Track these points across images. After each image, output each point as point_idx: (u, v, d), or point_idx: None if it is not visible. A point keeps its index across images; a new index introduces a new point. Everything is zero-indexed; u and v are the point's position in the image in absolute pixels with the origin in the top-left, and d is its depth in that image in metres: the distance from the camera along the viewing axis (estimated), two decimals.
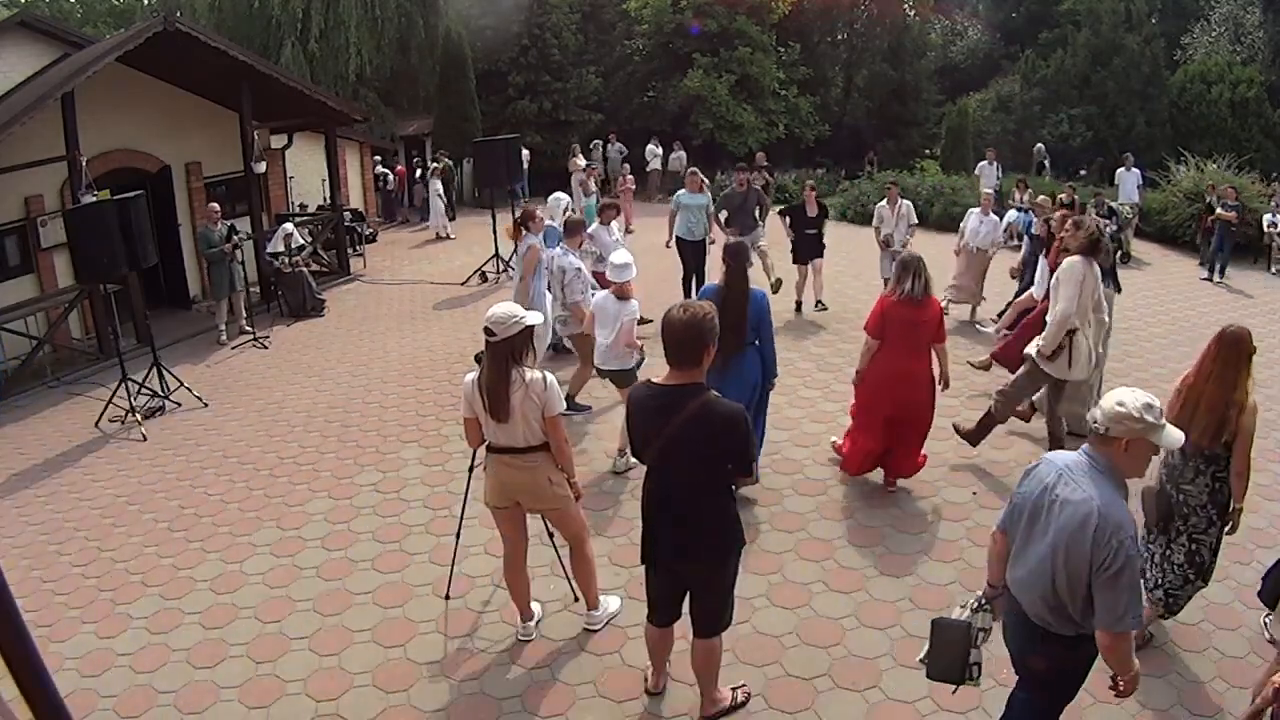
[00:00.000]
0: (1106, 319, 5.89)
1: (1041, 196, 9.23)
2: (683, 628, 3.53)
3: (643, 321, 8.49)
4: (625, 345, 5.68)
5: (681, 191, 9.15)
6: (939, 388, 5.26)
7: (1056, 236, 7.14)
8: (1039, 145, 18.91)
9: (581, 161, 14.57)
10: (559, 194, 9.89)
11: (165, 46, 9.54)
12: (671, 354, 3.11)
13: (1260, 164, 16.99)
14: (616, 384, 5.94)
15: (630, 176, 16.67)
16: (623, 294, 5.73)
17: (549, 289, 7.08)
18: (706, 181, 9.38)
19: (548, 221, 8.22)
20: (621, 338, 5.66)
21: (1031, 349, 5.50)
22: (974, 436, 5.73)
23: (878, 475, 5.55)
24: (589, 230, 8.53)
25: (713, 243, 8.64)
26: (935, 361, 5.22)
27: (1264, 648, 3.90)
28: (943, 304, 9.04)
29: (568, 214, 9.30)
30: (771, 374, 5.20)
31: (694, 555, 3.21)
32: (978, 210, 8.98)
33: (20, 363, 8.82)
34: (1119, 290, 6.19)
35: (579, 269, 6.67)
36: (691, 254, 8.94)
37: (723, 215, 9.21)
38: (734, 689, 3.62)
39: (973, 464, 5.73)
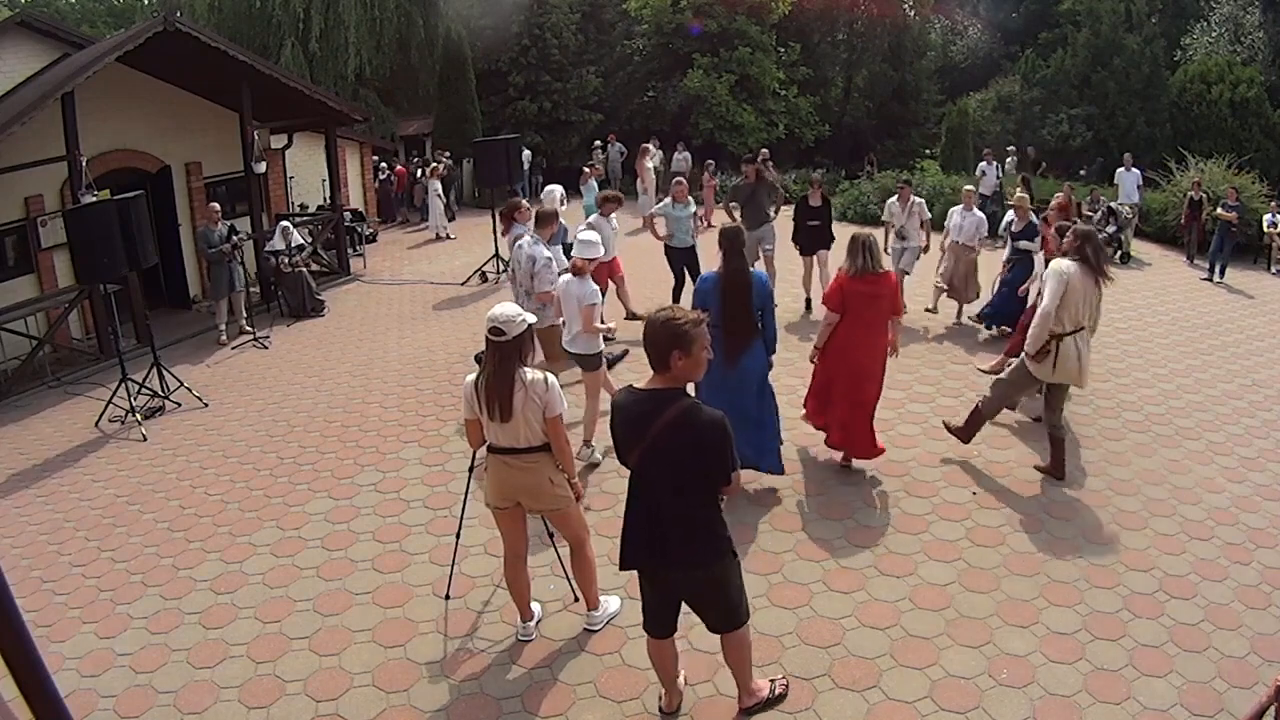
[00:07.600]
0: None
1: (1020, 194, 9.17)
2: (683, 628, 3.52)
3: (633, 317, 8.60)
4: (587, 330, 5.67)
5: (667, 200, 9.21)
6: (890, 357, 5.50)
7: (1049, 226, 7.16)
8: (1029, 148, 18.97)
9: (649, 162, 15.32)
10: (552, 186, 10.12)
11: (165, 46, 9.53)
12: (649, 358, 3.12)
13: (1260, 164, 16.96)
14: (582, 367, 5.94)
15: (709, 175, 17.05)
16: (578, 271, 5.74)
17: (517, 280, 7.04)
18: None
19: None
20: (581, 322, 5.66)
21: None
22: (964, 433, 5.73)
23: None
24: (590, 220, 8.61)
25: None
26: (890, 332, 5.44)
27: (1264, 647, 3.91)
28: (932, 302, 9.13)
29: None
30: (771, 350, 5.27)
31: (674, 561, 3.15)
32: (960, 207, 8.95)
33: (20, 363, 8.82)
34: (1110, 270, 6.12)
35: (549, 259, 6.70)
36: (679, 259, 8.97)
37: (736, 211, 9.23)
38: (772, 680, 3.62)
39: (972, 464, 5.73)
